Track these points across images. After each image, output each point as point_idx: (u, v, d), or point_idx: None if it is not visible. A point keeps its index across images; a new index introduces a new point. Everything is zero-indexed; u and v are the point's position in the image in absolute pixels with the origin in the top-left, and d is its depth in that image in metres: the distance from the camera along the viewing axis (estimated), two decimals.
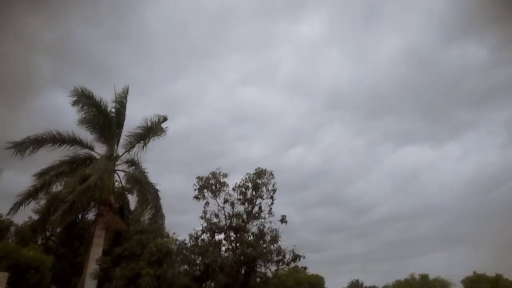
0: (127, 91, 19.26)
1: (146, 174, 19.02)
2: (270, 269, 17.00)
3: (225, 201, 18.52)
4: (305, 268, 17.29)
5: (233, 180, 19.21)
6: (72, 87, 18.07)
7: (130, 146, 18.77)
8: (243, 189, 18.56)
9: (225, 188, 18.71)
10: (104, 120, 18.38)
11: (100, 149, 18.77)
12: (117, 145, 18.77)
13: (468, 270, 50.32)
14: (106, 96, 18.86)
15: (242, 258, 15.93)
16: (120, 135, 18.98)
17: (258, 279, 17.00)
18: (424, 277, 45.60)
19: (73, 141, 18.32)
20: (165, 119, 19.28)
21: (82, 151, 18.72)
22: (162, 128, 19.10)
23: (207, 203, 18.49)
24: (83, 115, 18.35)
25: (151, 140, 18.73)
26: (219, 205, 18.51)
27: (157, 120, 19.02)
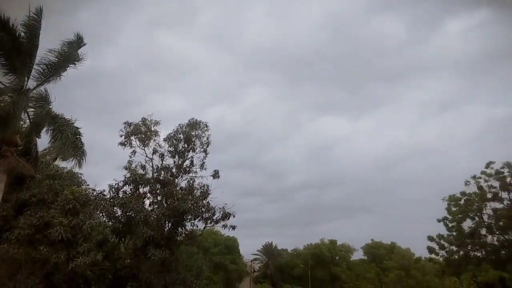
0: (41, 13, 15.91)
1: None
2: (197, 226, 16.28)
3: (154, 151, 17.16)
4: (233, 228, 16.63)
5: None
6: None
7: (44, 79, 15.88)
8: (174, 141, 17.34)
9: (155, 138, 17.32)
10: (13, 44, 15.15)
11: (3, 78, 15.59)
12: (28, 77, 15.79)
13: (367, 237, 56.04)
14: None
15: (169, 211, 14.93)
16: (32, 66, 15.96)
17: (183, 235, 16.19)
18: (333, 242, 49.51)
19: None
20: (80, 40, 16.34)
21: None
22: (78, 54, 16.33)
23: (133, 152, 16.97)
24: None
25: (66, 69, 16.02)
26: (147, 156, 17.12)
27: (73, 43, 16.14)
